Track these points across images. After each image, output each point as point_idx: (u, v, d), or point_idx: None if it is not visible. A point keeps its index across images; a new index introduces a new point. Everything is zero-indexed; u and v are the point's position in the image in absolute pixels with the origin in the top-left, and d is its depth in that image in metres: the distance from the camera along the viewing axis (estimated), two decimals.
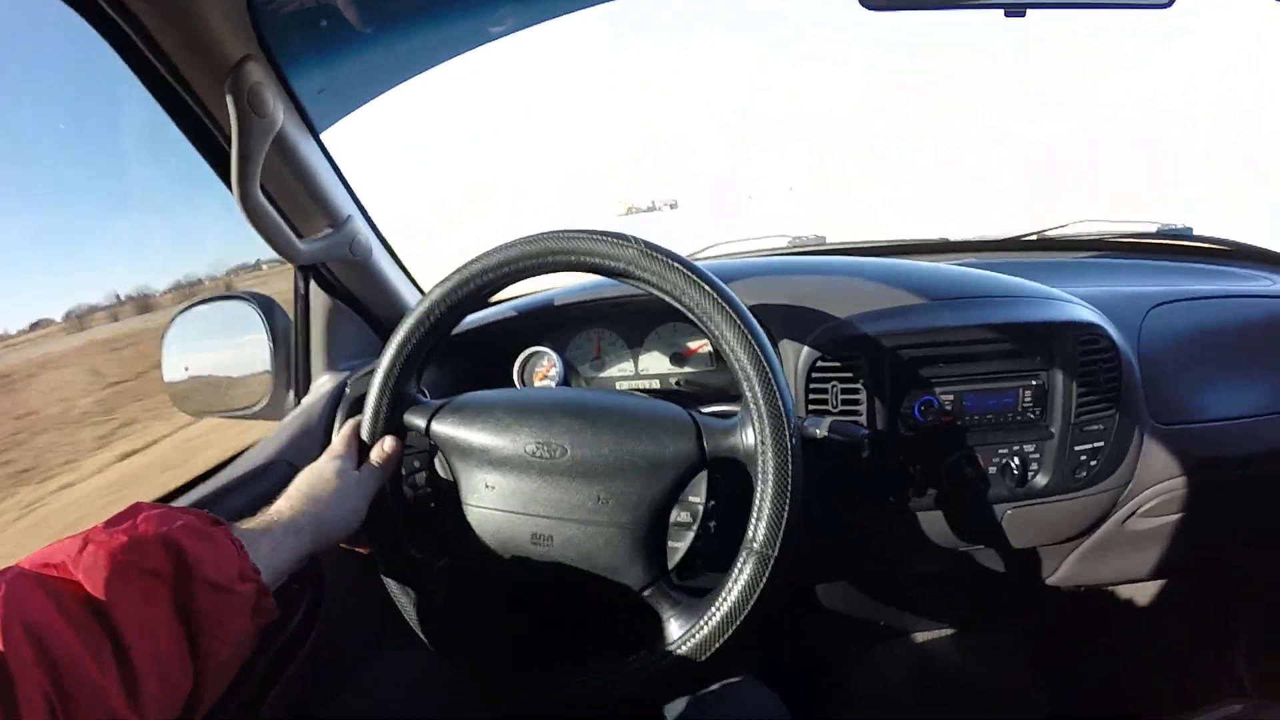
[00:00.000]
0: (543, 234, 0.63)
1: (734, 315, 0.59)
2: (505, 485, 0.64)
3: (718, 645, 0.58)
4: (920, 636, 1.14)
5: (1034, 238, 1.19)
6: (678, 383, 0.94)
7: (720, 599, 0.58)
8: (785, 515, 0.57)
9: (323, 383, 0.91)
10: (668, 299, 0.62)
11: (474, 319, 0.93)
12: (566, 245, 0.63)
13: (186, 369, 0.98)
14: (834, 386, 0.80)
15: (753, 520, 0.58)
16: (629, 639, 0.64)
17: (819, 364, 0.80)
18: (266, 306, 0.95)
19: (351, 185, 0.87)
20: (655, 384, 0.95)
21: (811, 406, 0.80)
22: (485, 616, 0.70)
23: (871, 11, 0.65)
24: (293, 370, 0.93)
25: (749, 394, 0.59)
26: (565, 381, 0.92)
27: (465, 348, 0.91)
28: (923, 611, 1.13)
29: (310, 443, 0.85)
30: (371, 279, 0.91)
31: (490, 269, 0.64)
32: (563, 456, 0.63)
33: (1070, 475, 0.83)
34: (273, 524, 0.57)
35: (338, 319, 0.91)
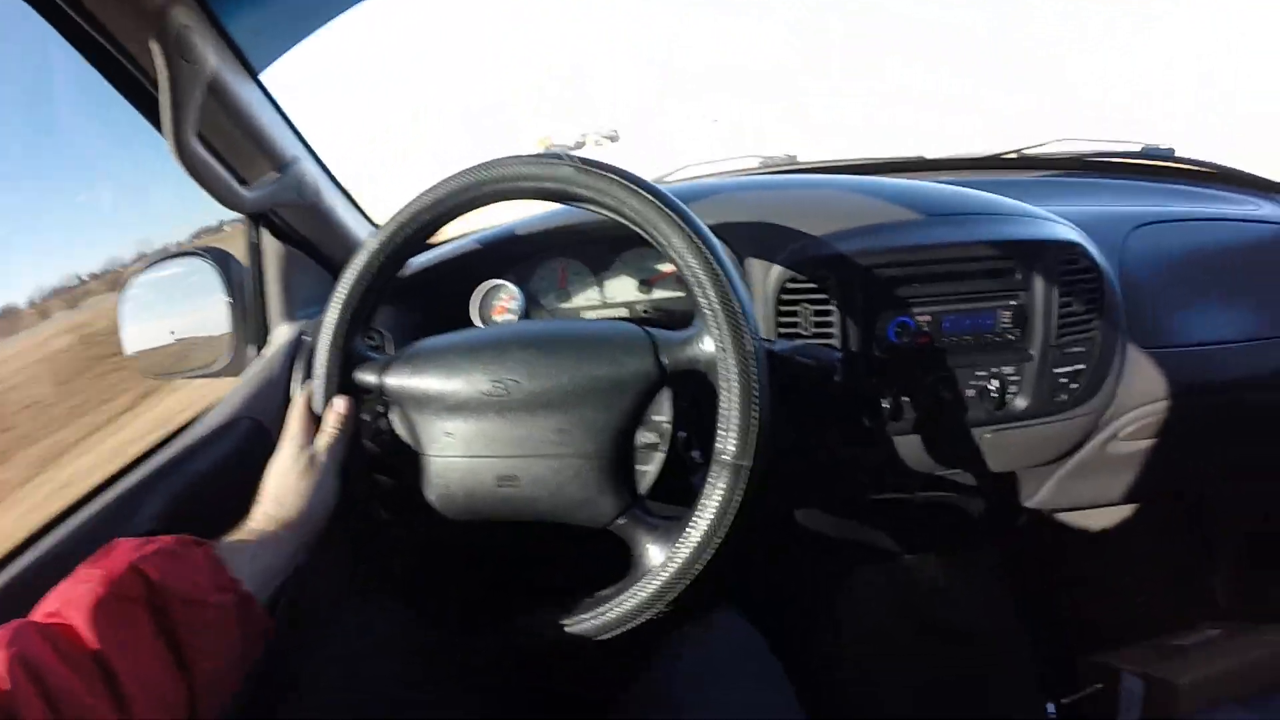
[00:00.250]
0: (472, 167, 0.60)
1: (679, 220, 0.56)
2: (465, 430, 0.62)
3: (699, 567, 0.56)
4: (898, 561, 1.15)
5: (1013, 156, 1.16)
6: (645, 310, 0.91)
7: (696, 516, 0.56)
8: (755, 421, 0.55)
9: (281, 333, 0.88)
10: (611, 214, 0.59)
11: (434, 255, 0.90)
12: (497, 174, 0.59)
13: (146, 335, 0.96)
14: (805, 308, 0.77)
15: (722, 431, 0.56)
16: (608, 573, 0.62)
17: (789, 284, 0.77)
18: (222, 261, 0.91)
19: (296, 125, 0.82)
20: (624, 312, 0.92)
21: (782, 329, 0.78)
22: (459, 569, 0.69)
23: None
24: (251, 323, 0.90)
25: (702, 300, 0.56)
26: (526, 314, 0.89)
27: (426, 286, 0.88)
28: (900, 535, 1.13)
29: (273, 396, 0.83)
30: (323, 220, 0.87)
31: (424, 210, 0.62)
32: (519, 391, 0.60)
33: (1050, 398, 0.82)
34: (252, 535, 0.58)
35: (292, 266, 0.88)
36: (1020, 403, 0.82)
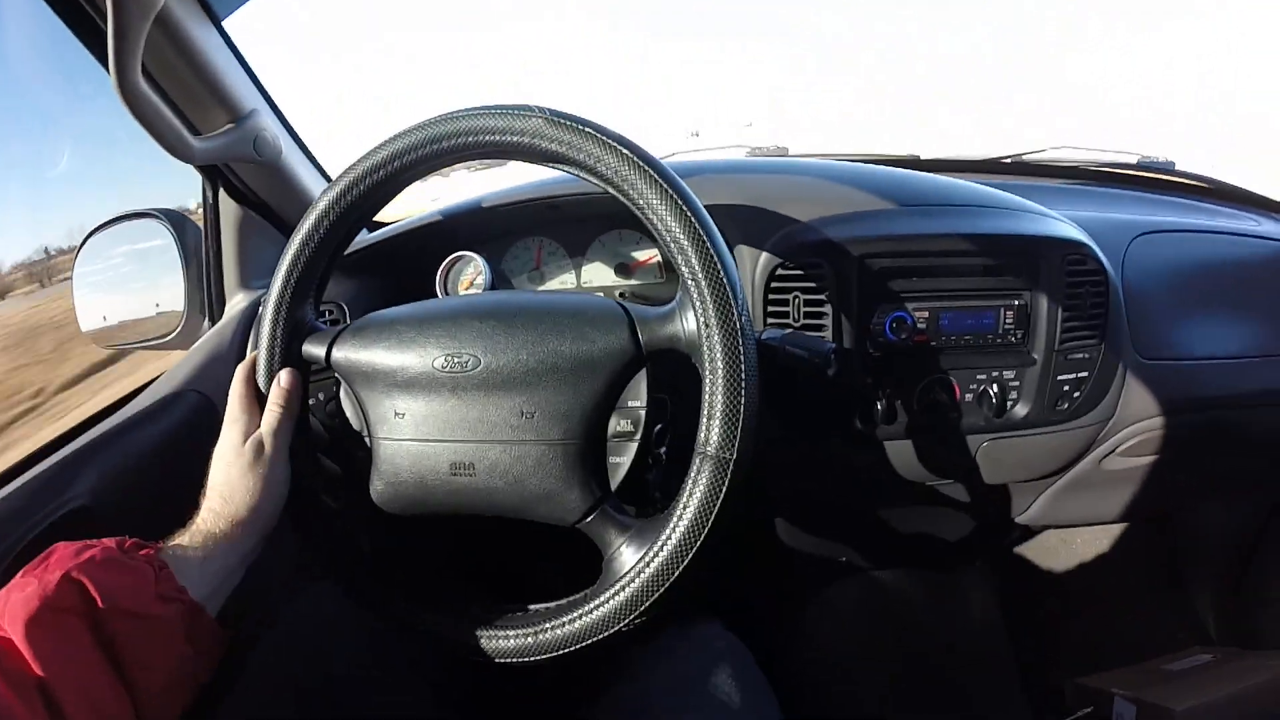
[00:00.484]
0: (430, 119, 0.54)
1: (660, 179, 0.50)
2: (416, 410, 0.56)
3: (679, 572, 0.50)
4: (881, 574, 1.11)
5: (1009, 161, 1.14)
6: (623, 295, 0.86)
7: (677, 515, 0.50)
8: (741, 410, 0.49)
9: (236, 302, 0.83)
10: (583, 173, 0.52)
11: (398, 227, 0.84)
12: (459, 126, 0.53)
13: (98, 299, 0.90)
14: (796, 298, 0.72)
15: (704, 420, 0.50)
16: (576, 576, 0.56)
17: (779, 271, 0.72)
18: (178, 222, 0.86)
19: (257, 75, 0.77)
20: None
21: (771, 320, 0.73)
22: (411, 564, 0.62)
23: None
24: (206, 291, 0.84)
25: (685, 269, 0.50)
26: (493, 289, 0.83)
27: (390, 258, 0.82)
28: (886, 548, 1.08)
29: (223, 369, 0.77)
30: (284, 182, 0.82)
31: (377, 166, 0.55)
32: (475, 368, 0.54)
33: (1051, 406, 0.78)
34: (198, 537, 0.53)
35: (251, 230, 0.82)
36: (1020, 410, 0.77)
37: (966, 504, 0.89)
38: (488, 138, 0.52)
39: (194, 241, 0.85)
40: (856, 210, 0.75)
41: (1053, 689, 1.00)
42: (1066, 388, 0.77)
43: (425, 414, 0.56)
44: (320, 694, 0.59)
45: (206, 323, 0.85)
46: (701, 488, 0.49)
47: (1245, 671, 0.94)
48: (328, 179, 0.90)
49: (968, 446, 0.79)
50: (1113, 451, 0.85)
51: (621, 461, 0.55)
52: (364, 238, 0.86)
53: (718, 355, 0.49)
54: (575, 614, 0.53)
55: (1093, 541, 1.16)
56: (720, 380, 0.49)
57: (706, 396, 0.50)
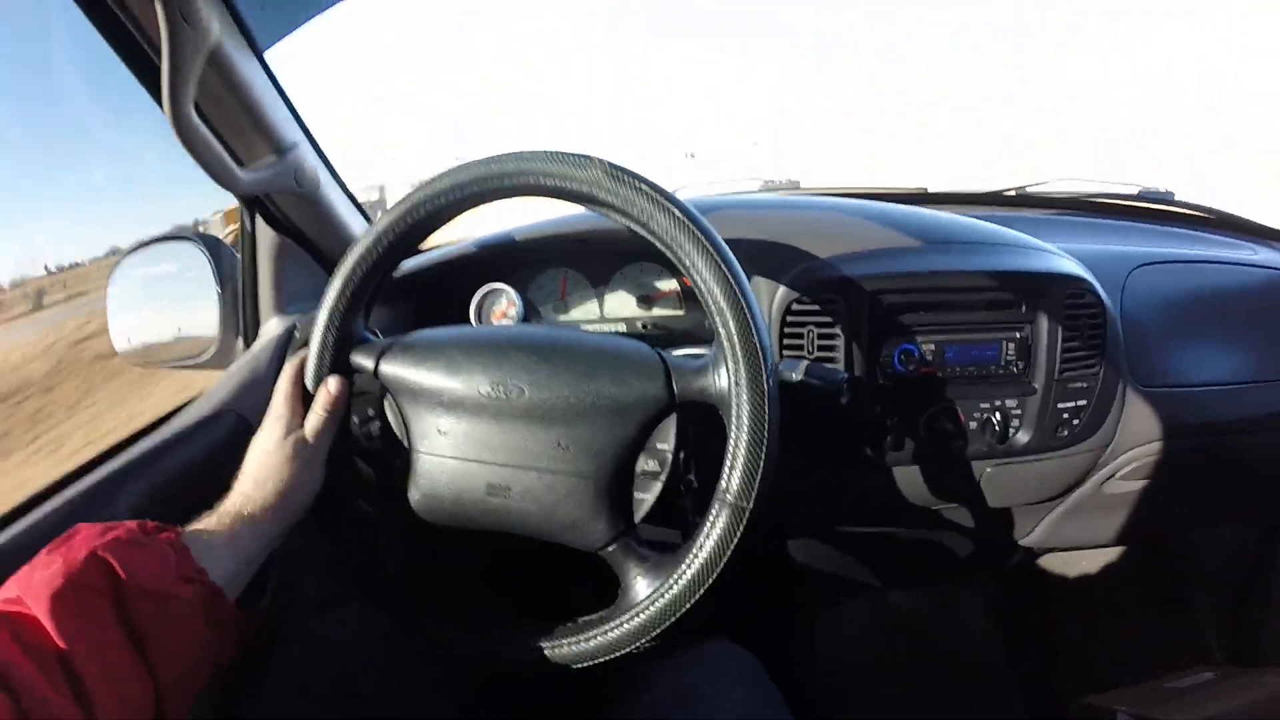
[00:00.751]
0: (497, 156, 0.58)
1: (707, 244, 0.54)
2: (459, 430, 0.59)
3: (689, 605, 0.54)
4: (891, 594, 1.13)
5: (1014, 193, 1.17)
6: (644, 325, 0.90)
7: (692, 554, 0.54)
8: (761, 464, 0.53)
9: (271, 326, 0.85)
10: (634, 226, 0.56)
11: (431, 256, 0.88)
12: (523, 167, 0.56)
13: (132, 319, 0.93)
14: (810, 331, 0.76)
15: (726, 468, 0.54)
16: (594, 599, 0.59)
17: (795, 306, 0.76)
18: (213, 247, 0.89)
19: (297, 109, 0.80)
20: (621, 327, 0.90)
21: (786, 351, 0.76)
22: (439, 576, 0.66)
23: None
24: (240, 314, 0.87)
25: (722, 330, 0.54)
26: (525, 321, 0.87)
27: (421, 286, 0.85)
28: (894, 569, 1.11)
29: (259, 391, 0.80)
30: (320, 213, 0.85)
31: (440, 193, 0.58)
32: (519, 398, 0.58)
33: (1052, 433, 0.81)
34: (225, 519, 0.54)
35: (286, 257, 0.85)
36: (1022, 437, 0.81)
37: (971, 527, 0.92)
38: (548, 181, 0.56)
39: (229, 266, 0.88)
40: (869, 248, 0.79)
41: (1057, 704, 1.02)
42: (1066, 415, 0.81)
43: (467, 434, 0.59)
44: (344, 711, 0.61)
45: (240, 344, 0.88)
46: (718, 530, 0.54)
47: (1246, 688, 0.94)
48: (361, 210, 0.93)
49: (972, 472, 0.82)
50: (1113, 476, 0.88)
51: (646, 498, 0.60)
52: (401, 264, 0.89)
53: (744, 413, 0.53)
54: (591, 633, 0.57)
55: (1096, 560, 1.18)
56: (745, 434, 0.53)
57: (731, 446, 0.54)
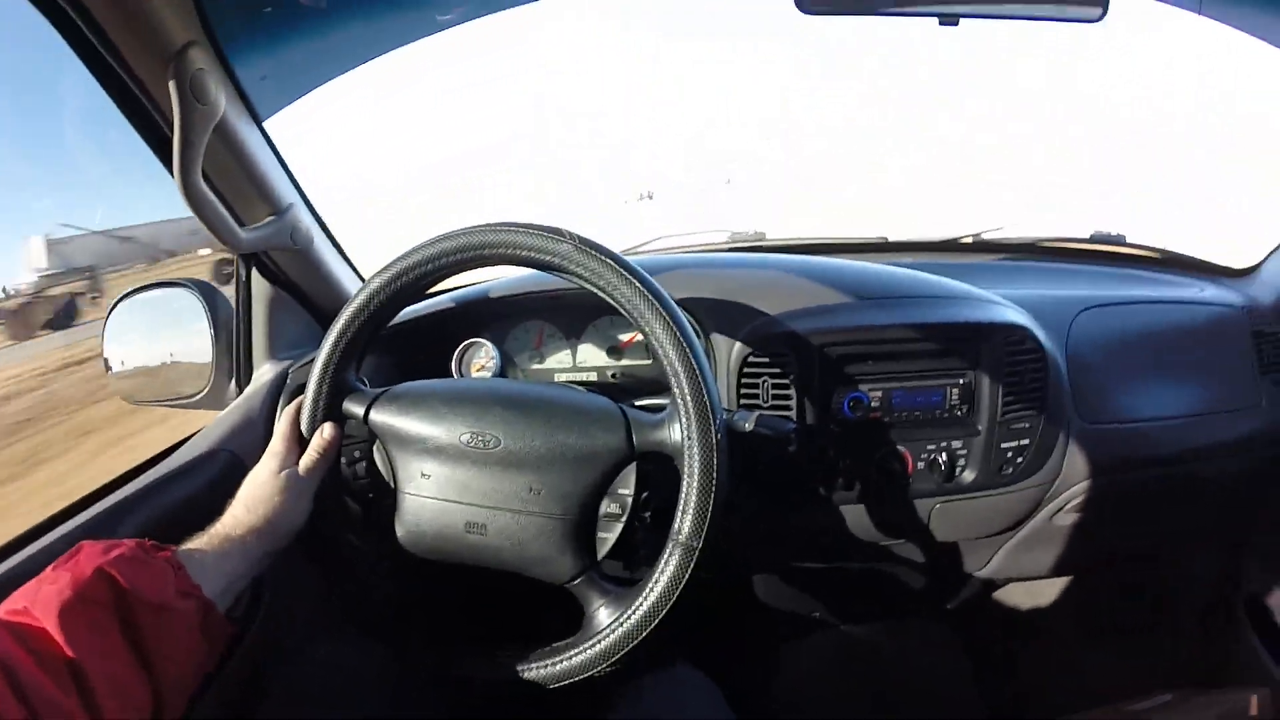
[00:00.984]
0: (478, 227, 0.64)
1: (664, 313, 0.61)
2: (441, 474, 0.66)
3: (645, 634, 0.60)
4: (852, 627, 1.17)
5: (969, 240, 1.24)
6: (614, 375, 0.96)
7: (648, 589, 0.60)
8: (710, 509, 0.59)
9: (264, 371, 0.90)
10: (601, 294, 0.63)
11: (414, 309, 0.93)
12: (502, 239, 0.63)
13: (127, 359, 0.97)
14: (765, 381, 0.82)
15: (679, 513, 0.60)
16: (562, 628, 0.65)
17: (750, 359, 0.82)
18: (208, 294, 0.93)
19: (294, 173, 0.86)
20: (592, 376, 0.96)
21: (743, 401, 0.82)
22: (423, 606, 0.71)
23: (805, 15, 0.67)
24: (234, 359, 0.92)
25: (676, 390, 0.61)
26: (502, 372, 0.93)
27: (405, 338, 0.91)
28: (853, 603, 1.15)
29: (252, 432, 0.85)
30: (313, 268, 0.91)
31: (428, 259, 0.65)
32: (496, 447, 0.64)
33: (997, 471, 0.86)
34: (216, 539, 0.60)
35: (279, 308, 0.91)
36: (968, 475, 0.86)
37: (923, 561, 0.97)
38: (524, 253, 0.63)
39: (224, 313, 0.93)
40: (819, 303, 0.85)
41: None
42: (1010, 454, 0.86)
43: (448, 478, 0.66)
44: None
45: (233, 387, 0.92)
46: (671, 568, 0.60)
47: (1206, 707, 0.96)
48: (352, 266, 0.99)
49: (919, 509, 0.88)
50: (1063, 509, 0.93)
51: (608, 537, 0.66)
52: None
53: (695, 463, 0.60)
54: (559, 658, 0.63)
55: (1053, 589, 1.22)
56: (696, 483, 0.60)
57: (683, 493, 0.60)
